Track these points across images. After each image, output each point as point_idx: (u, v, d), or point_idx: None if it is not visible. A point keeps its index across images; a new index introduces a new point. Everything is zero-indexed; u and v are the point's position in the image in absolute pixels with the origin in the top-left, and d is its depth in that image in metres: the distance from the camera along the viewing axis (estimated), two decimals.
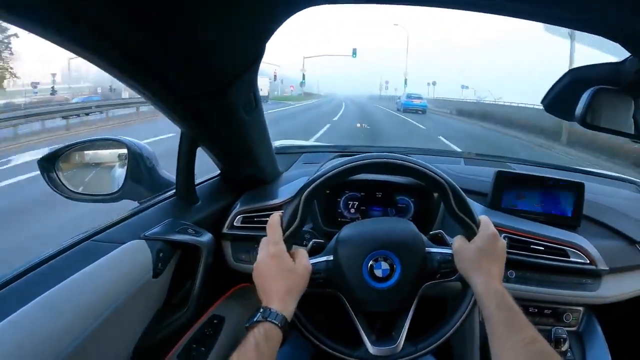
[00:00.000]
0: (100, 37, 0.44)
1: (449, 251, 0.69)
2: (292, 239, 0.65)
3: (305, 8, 0.57)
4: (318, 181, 0.65)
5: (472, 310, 0.68)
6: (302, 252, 0.65)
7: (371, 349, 0.66)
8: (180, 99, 0.62)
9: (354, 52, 31.97)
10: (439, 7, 0.56)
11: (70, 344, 0.51)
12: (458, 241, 0.67)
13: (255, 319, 0.56)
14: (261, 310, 0.58)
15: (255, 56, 0.59)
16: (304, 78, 35.41)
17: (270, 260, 0.61)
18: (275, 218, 0.65)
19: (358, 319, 0.69)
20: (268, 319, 0.56)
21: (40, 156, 0.91)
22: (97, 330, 0.56)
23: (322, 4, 0.61)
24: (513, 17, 0.59)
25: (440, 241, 0.75)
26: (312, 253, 0.71)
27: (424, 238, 0.73)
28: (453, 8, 0.57)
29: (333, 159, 1.20)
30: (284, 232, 0.63)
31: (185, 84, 0.57)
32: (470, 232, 0.66)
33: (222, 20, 0.48)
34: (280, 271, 0.61)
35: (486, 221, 0.67)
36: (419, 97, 22.63)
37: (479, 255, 0.63)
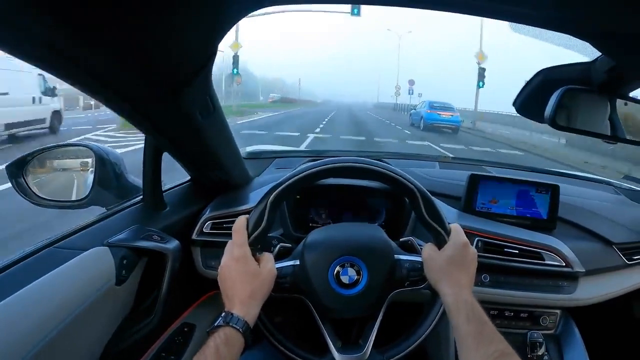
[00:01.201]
0: (44, 45, 0.43)
1: (418, 259, 0.68)
2: (258, 243, 0.64)
3: (258, 9, 0.55)
4: (284, 185, 0.64)
5: (441, 319, 0.67)
6: (267, 256, 0.64)
7: (337, 356, 0.65)
8: (134, 105, 0.61)
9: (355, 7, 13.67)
10: (394, 5, 0.55)
11: (29, 352, 0.50)
12: (427, 249, 0.66)
13: (216, 324, 0.56)
14: (223, 314, 0.57)
15: (206, 59, 0.58)
16: (235, 64, 15.99)
17: (234, 264, 0.60)
18: (241, 221, 0.64)
19: (324, 326, 0.67)
20: (230, 323, 0.55)
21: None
22: (58, 339, 0.55)
23: (279, 5, 0.60)
24: (478, 15, 0.58)
25: (410, 248, 0.74)
26: (279, 257, 0.70)
27: (394, 245, 0.72)
28: (414, 7, 0.56)
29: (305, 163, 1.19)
30: (249, 235, 0.62)
31: (135, 89, 0.56)
32: (440, 239, 0.64)
33: (167, 23, 0.47)
34: (243, 274, 0.60)
35: (457, 229, 0.65)
36: (448, 108, 13.96)
37: (448, 264, 0.62)
